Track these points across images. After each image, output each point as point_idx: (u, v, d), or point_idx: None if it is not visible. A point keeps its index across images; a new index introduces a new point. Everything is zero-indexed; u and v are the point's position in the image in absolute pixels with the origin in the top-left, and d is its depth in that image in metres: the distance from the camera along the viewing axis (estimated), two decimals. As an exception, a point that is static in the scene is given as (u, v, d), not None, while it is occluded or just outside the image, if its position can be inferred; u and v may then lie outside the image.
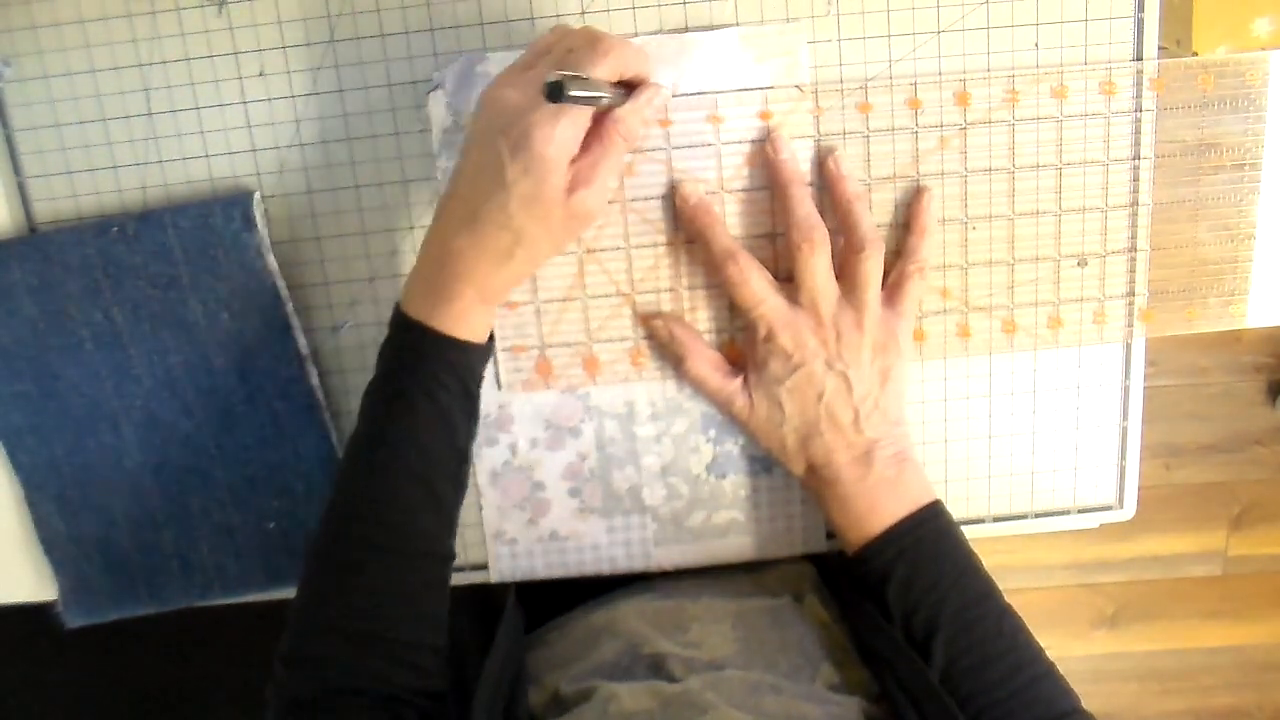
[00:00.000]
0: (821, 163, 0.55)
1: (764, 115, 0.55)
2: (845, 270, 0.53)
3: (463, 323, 0.49)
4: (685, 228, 0.55)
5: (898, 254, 0.55)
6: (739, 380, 0.55)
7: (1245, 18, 0.59)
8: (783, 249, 0.55)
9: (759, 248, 0.56)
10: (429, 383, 0.49)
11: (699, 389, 0.57)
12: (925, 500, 0.53)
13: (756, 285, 0.52)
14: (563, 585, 0.62)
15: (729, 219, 0.56)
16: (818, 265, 0.52)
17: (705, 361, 0.55)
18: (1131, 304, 0.58)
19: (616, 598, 0.60)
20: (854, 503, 0.53)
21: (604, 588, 0.62)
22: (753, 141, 0.55)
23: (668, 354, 0.57)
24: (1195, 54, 0.60)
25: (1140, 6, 0.54)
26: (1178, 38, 0.61)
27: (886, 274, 0.54)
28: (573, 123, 0.46)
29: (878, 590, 0.52)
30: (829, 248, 0.52)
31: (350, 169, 0.56)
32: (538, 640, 0.59)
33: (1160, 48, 0.55)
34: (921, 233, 0.55)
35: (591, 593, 0.61)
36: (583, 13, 0.54)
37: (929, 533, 0.53)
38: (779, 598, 0.58)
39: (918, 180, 0.56)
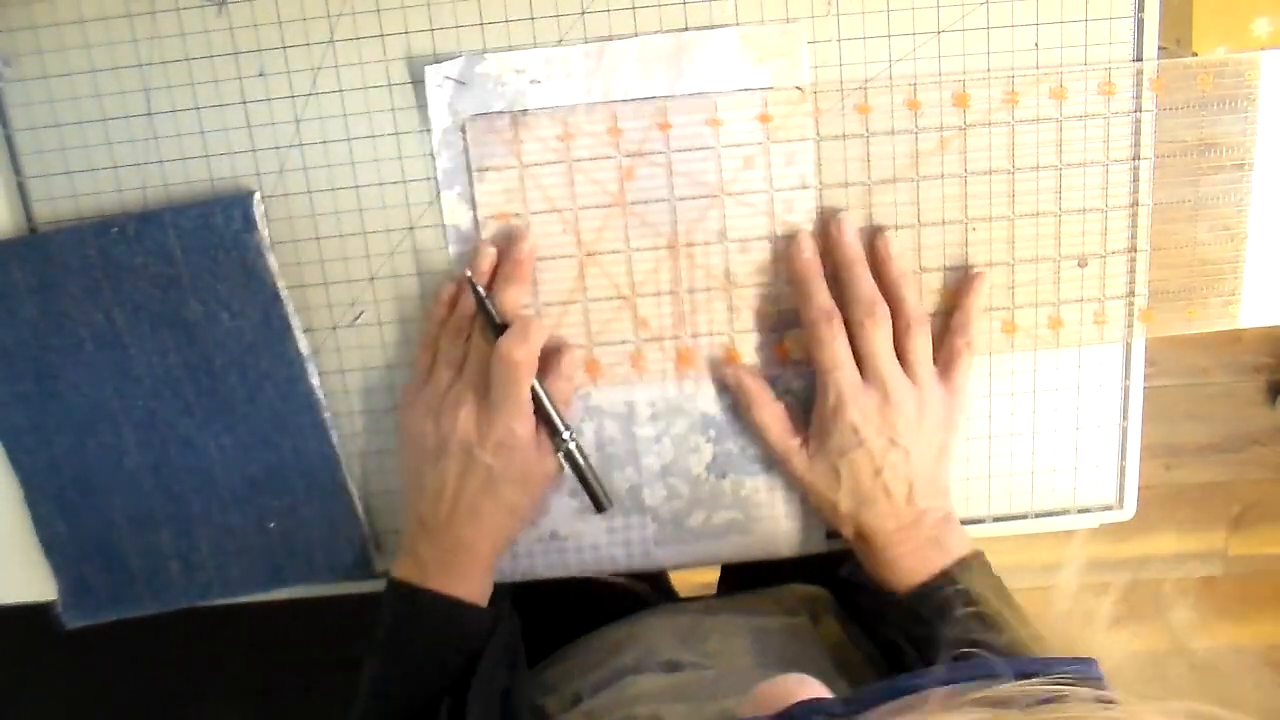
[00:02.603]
0: (872, 242, 0.55)
1: (764, 118, 0.55)
2: (896, 347, 0.53)
3: (479, 591, 0.55)
4: (790, 277, 0.56)
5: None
6: (799, 440, 0.55)
7: (1245, 18, 0.59)
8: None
9: (757, 251, 0.56)
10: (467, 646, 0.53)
11: (759, 436, 0.57)
12: (971, 550, 0.54)
13: (840, 350, 0.53)
14: (570, 612, 0.63)
15: (728, 221, 0.56)
16: (881, 340, 0.53)
17: (769, 413, 0.56)
18: (1131, 304, 0.58)
19: (636, 615, 0.61)
20: (900, 562, 0.54)
21: (619, 612, 0.62)
22: (753, 144, 0.55)
23: (735, 398, 0.57)
24: (1195, 54, 0.60)
25: (1140, 6, 0.54)
26: (1178, 37, 0.61)
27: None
28: (523, 410, 0.53)
29: (937, 618, 0.51)
30: (890, 325, 0.53)
31: (350, 169, 0.56)
32: (559, 657, 0.60)
33: (1160, 48, 0.55)
34: (969, 313, 0.56)
35: (600, 617, 0.62)
36: (583, 12, 0.54)
37: (984, 570, 0.54)
38: (797, 616, 0.58)
39: (918, 182, 0.56)
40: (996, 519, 0.61)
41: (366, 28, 0.54)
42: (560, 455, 0.55)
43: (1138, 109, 0.55)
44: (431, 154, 0.56)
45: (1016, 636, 0.43)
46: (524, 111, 0.55)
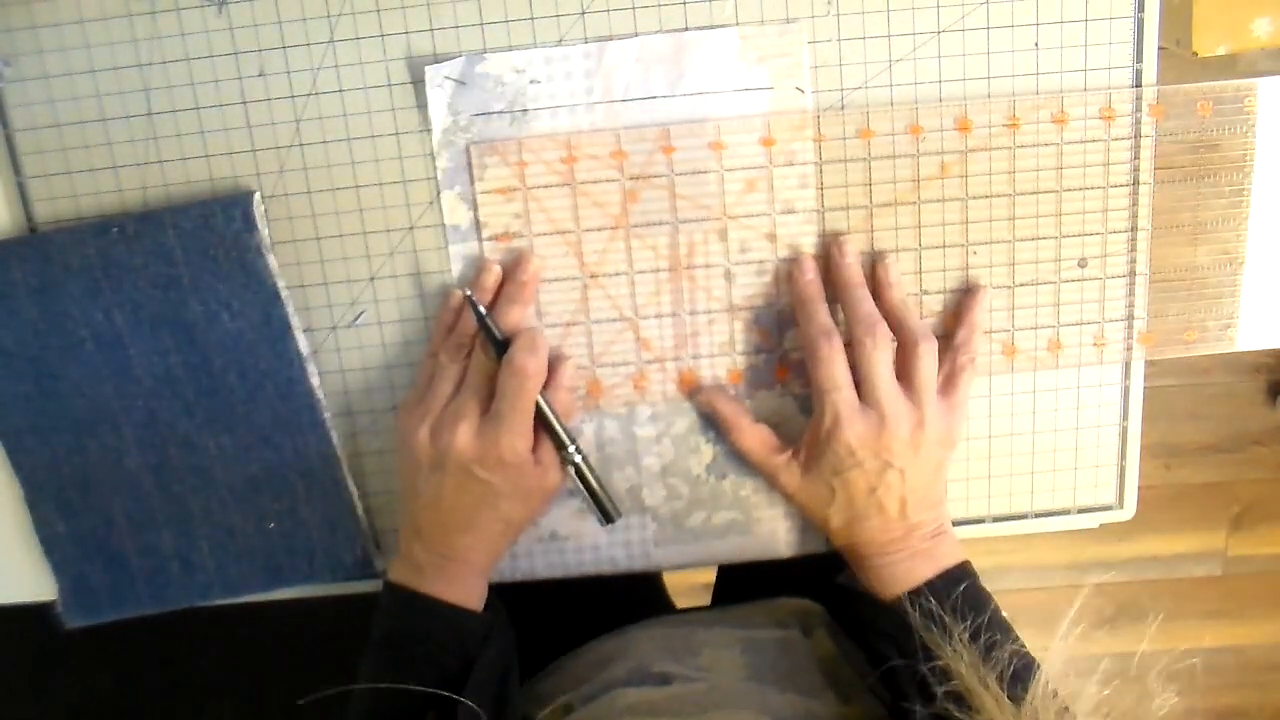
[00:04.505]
0: (873, 267, 0.55)
1: (766, 142, 0.55)
2: (901, 368, 0.53)
3: (475, 596, 0.55)
4: (792, 297, 0.56)
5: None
6: (787, 455, 0.55)
7: (1245, 18, 0.59)
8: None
9: (759, 273, 0.56)
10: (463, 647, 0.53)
11: (746, 459, 0.57)
12: (959, 560, 0.54)
13: (839, 369, 0.53)
14: (566, 621, 0.63)
15: (730, 244, 0.56)
16: (880, 361, 0.52)
17: (750, 437, 0.56)
18: (1131, 327, 0.58)
19: (629, 627, 0.61)
20: (889, 570, 0.54)
21: (615, 621, 0.62)
22: (755, 168, 0.55)
23: (716, 424, 0.57)
24: (1195, 53, 0.60)
25: (1140, 6, 0.54)
26: (1178, 38, 0.61)
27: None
28: (527, 426, 0.53)
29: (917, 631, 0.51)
30: (891, 346, 0.53)
31: (350, 169, 0.56)
32: (553, 669, 0.60)
33: (1160, 48, 0.55)
34: (972, 327, 0.56)
35: (595, 626, 0.62)
36: (583, 12, 0.54)
37: (971, 585, 0.54)
38: (789, 629, 0.58)
39: (919, 205, 0.56)
40: (996, 519, 0.61)
41: (366, 28, 0.54)
42: (569, 469, 0.55)
43: (1137, 134, 0.55)
44: (431, 154, 0.56)
45: (992, 717, 0.43)
46: (524, 111, 0.55)
